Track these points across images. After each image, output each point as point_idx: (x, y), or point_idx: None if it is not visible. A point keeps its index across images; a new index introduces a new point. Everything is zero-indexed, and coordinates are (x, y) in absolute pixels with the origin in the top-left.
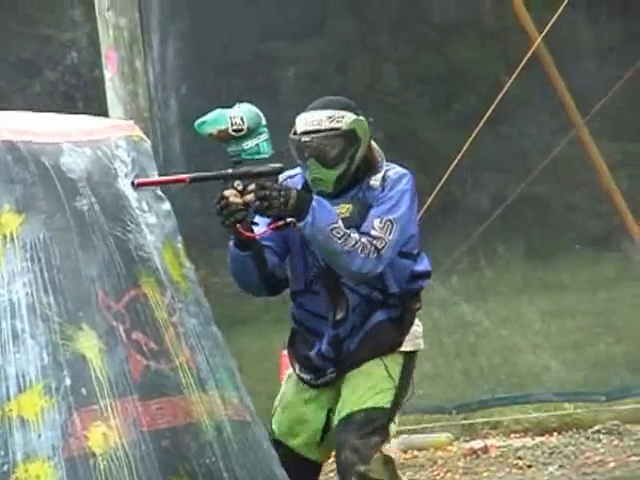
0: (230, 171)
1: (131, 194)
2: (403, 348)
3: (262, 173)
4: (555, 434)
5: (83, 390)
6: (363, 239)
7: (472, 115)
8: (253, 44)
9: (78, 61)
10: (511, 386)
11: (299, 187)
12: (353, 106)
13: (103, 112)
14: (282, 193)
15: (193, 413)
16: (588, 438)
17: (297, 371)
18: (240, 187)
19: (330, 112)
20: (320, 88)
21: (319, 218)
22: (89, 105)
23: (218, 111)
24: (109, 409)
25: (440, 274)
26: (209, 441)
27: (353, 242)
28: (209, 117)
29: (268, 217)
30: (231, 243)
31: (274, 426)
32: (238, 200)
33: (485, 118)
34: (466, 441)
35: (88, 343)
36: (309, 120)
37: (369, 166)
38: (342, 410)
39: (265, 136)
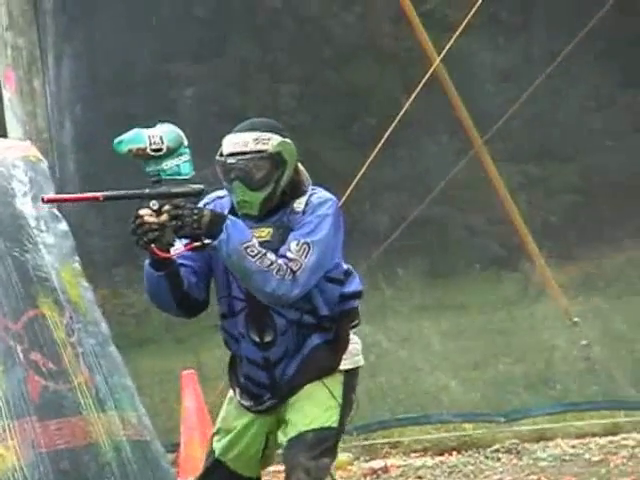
0: (147, 190)
1: (29, 214)
2: (342, 367)
3: (180, 194)
4: (455, 453)
5: None
6: (279, 260)
7: (371, 136)
8: (151, 64)
9: None
10: (411, 406)
11: (226, 208)
12: (280, 128)
13: (1, 132)
14: (195, 212)
15: (92, 433)
16: (487, 457)
17: (237, 397)
18: (155, 207)
19: (256, 134)
20: (219, 109)
21: (233, 236)
22: None
23: (136, 130)
24: (7, 430)
25: None
26: (108, 461)
27: (268, 262)
28: (127, 135)
29: (182, 237)
30: (147, 262)
31: (215, 445)
32: (152, 220)
33: (384, 139)
34: (366, 461)
35: None
36: (235, 142)
37: (295, 189)
38: (290, 431)
39: (186, 157)
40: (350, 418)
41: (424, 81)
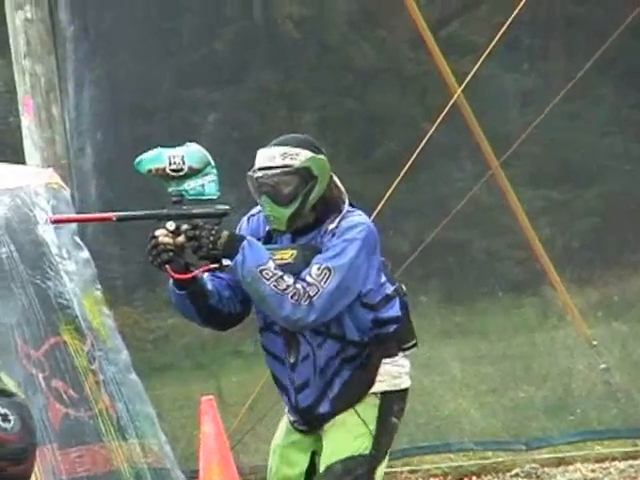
0: (165, 211)
1: (51, 241)
2: (377, 389)
3: (200, 215)
4: (474, 478)
5: None
6: (298, 285)
7: (391, 161)
8: (171, 91)
9: None
10: (431, 432)
11: (262, 225)
12: (312, 144)
13: (19, 159)
14: (213, 233)
15: (113, 461)
16: None
17: (286, 411)
18: (172, 227)
19: (285, 149)
20: (239, 135)
21: (248, 259)
22: (4, 152)
23: (158, 150)
24: None
25: None
26: None
27: (284, 286)
28: (147, 155)
29: (200, 258)
30: (170, 280)
31: (269, 467)
32: (168, 240)
33: (408, 165)
34: None
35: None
36: (264, 156)
37: (329, 207)
38: (322, 462)
39: (212, 177)
40: (390, 441)
41: (445, 111)
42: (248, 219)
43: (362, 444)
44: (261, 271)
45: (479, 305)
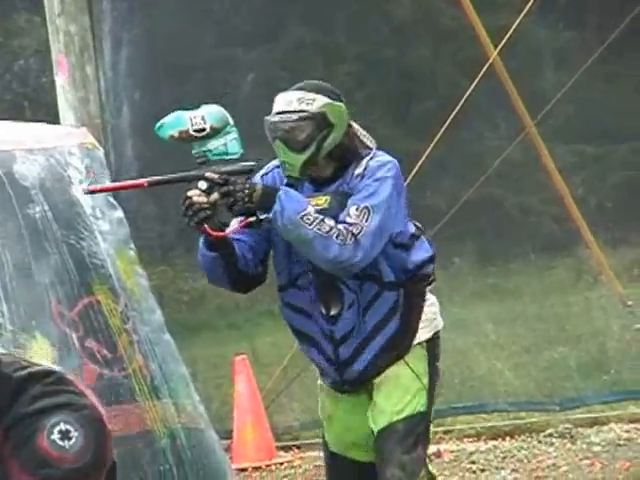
0: (193, 172)
1: (85, 201)
2: (421, 338)
3: (228, 172)
4: (508, 438)
5: None
6: (339, 226)
7: (427, 117)
8: (207, 50)
9: (27, 68)
10: (464, 392)
11: (277, 181)
12: (331, 90)
13: (53, 119)
14: (246, 187)
15: (147, 420)
16: (540, 442)
17: (320, 379)
18: (204, 187)
19: (301, 94)
20: (276, 93)
21: (288, 207)
22: (38, 112)
23: (177, 112)
24: None
25: None
26: (163, 448)
27: (327, 228)
28: (168, 119)
29: (236, 214)
30: (200, 242)
31: (327, 438)
32: (202, 199)
33: (446, 124)
34: None
35: (41, 351)
36: (282, 101)
37: (348, 155)
38: (379, 420)
39: (233, 135)
40: (438, 388)
41: (482, 73)
42: (262, 177)
43: (419, 401)
44: (302, 217)
45: (513, 266)
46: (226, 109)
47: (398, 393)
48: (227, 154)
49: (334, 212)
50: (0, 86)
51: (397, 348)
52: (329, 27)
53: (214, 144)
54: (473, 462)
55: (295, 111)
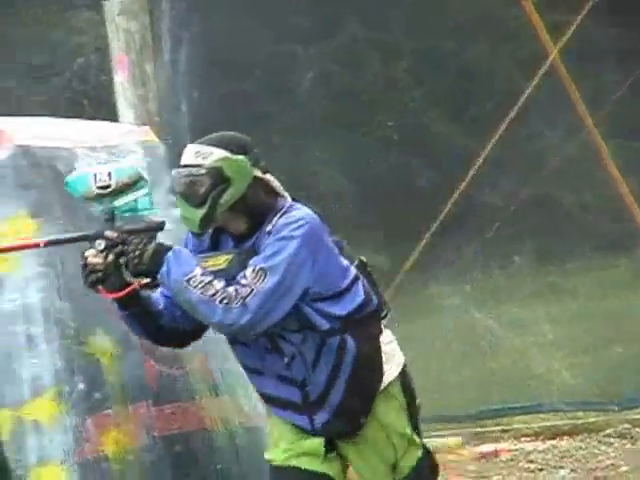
0: (93, 231)
1: None
2: (390, 379)
3: (132, 231)
4: (566, 438)
5: (97, 395)
6: (229, 288)
7: (484, 115)
8: (266, 47)
9: (86, 66)
10: (522, 392)
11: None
12: (233, 143)
13: (112, 117)
14: (139, 247)
15: (205, 419)
16: (600, 442)
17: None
18: (101, 246)
19: (199, 147)
20: (334, 90)
21: (174, 269)
22: (98, 109)
23: (82, 171)
24: (122, 414)
25: (451, 279)
26: (221, 447)
27: (212, 292)
28: (72, 178)
29: (134, 275)
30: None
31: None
32: (96, 260)
33: (506, 122)
34: (476, 445)
35: (102, 348)
36: (185, 153)
37: (259, 209)
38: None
39: (144, 191)
40: (418, 405)
41: (542, 72)
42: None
43: (414, 454)
44: (188, 280)
45: (571, 265)
46: (284, 106)
47: (380, 459)
48: (137, 210)
49: (234, 272)
50: (60, 84)
51: (363, 391)
52: (386, 23)
53: (123, 200)
54: (531, 461)
55: (191, 165)
